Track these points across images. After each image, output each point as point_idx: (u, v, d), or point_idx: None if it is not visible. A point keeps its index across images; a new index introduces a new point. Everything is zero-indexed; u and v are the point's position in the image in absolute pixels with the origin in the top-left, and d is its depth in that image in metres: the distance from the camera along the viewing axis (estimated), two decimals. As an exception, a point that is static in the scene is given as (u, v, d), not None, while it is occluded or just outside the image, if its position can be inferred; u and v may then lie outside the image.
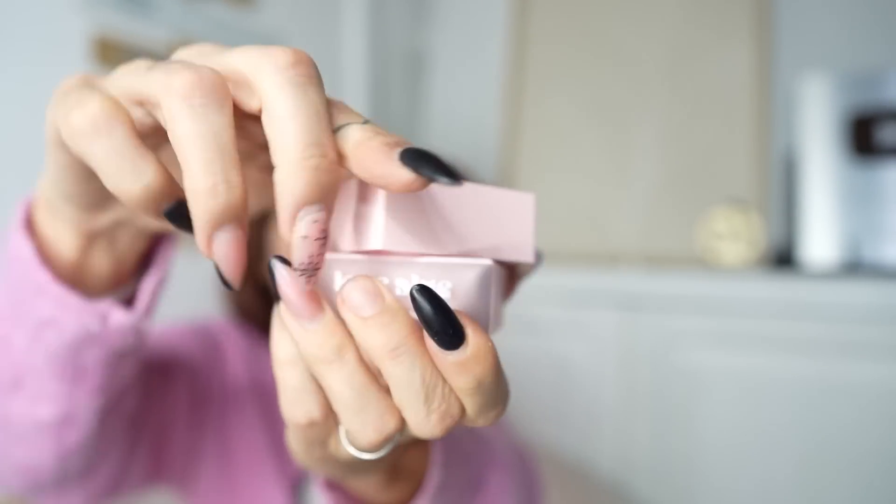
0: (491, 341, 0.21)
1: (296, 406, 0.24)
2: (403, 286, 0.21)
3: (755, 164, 1.09)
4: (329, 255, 0.22)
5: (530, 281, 1.04)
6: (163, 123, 0.20)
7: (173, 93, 0.19)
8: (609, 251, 1.17)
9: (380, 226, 0.21)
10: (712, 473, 0.91)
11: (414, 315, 0.21)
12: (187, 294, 0.60)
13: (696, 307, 0.92)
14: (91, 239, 0.30)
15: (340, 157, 0.20)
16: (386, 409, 0.22)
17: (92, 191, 0.27)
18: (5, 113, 0.76)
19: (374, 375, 0.22)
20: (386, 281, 0.22)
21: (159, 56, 0.88)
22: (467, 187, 0.22)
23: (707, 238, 1.06)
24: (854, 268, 0.91)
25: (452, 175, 0.19)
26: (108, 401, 0.35)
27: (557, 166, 1.24)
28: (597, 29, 1.24)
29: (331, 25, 1.26)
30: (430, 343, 0.20)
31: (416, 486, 0.31)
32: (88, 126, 0.20)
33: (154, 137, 0.23)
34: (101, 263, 0.31)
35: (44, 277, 0.29)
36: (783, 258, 1.03)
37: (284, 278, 0.21)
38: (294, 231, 0.19)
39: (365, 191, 0.22)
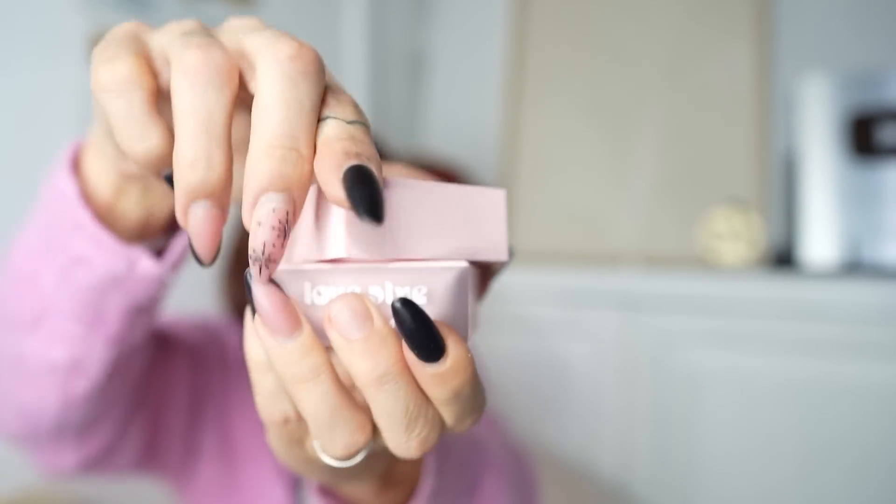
0: (470, 352, 0.21)
1: (271, 406, 0.24)
2: (377, 293, 0.21)
3: (755, 164, 1.09)
4: (297, 266, 0.21)
5: (530, 281, 1.05)
6: (171, 88, 0.21)
7: (182, 68, 0.20)
8: (609, 251, 1.17)
9: (340, 232, 0.20)
10: (712, 473, 0.91)
11: (394, 323, 0.20)
12: (184, 290, 0.60)
13: (696, 307, 0.92)
14: (126, 179, 0.30)
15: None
16: (357, 427, 0.22)
17: None
18: (5, 113, 0.76)
19: (348, 391, 0.22)
20: (358, 289, 0.21)
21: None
22: (435, 187, 0.22)
23: (707, 238, 1.06)
24: (854, 268, 0.91)
25: (373, 214, 0.19)
26: (117, 356, 0.35)
27: (557, 166, 1.24)
28: (597, 29, 1.25)
29: (331, 25, 1.26)
30: (409, 355, 0.20)
31: (410, 492, 0.31)
32: (111, 84, 0.21)
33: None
34: (133, 209, 0.32)
35: (83, 215, 0.30)
36: (783, 258, 1.03)
37: (262, 292, 0.20)
38: (252, 216, 0.19)
39: (323, 196, 0.21)
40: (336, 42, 1.26)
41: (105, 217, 0.31)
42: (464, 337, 0.22)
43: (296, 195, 0.20)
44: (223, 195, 0.20)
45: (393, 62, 1.38)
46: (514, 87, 1.30)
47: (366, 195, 0.19)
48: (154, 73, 0.22)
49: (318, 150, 0.20)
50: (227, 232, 0.70)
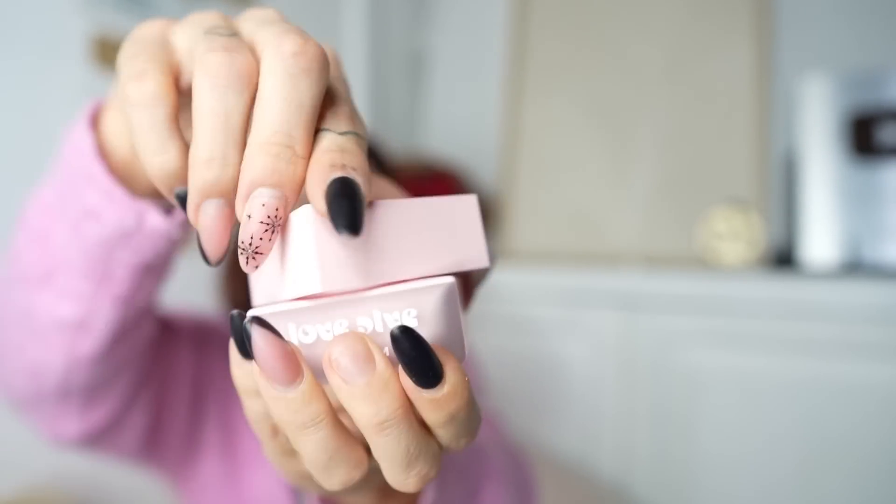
0: (466, 376, 0.20)
1: (262, 423, 0.24)
2: (366, 324, 0.20)
3: (755, 164, 1.09)
4: (274, 307, 0.21)
5: (530, 281, 1.05)
6: (193, 89, 0.21)
7: (204, 70, 0.21)
8: (609, 251, 1.17)
9: (313, 266, 0.20)
10: (712, 473, 0.91)
11: (392, 350, 0.20)
12: (183, 290, 0.60)
13: (696, 307, 0.92)
14: None
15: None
16: (355, 464, 0.22)
17: None
18: (5, 112, 0.76)
19: (346, 429, 0.22)
20: (346, 322, 0.20)
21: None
22: (407, 204, 0.21)
23: (707, 238, 1.06)
24: (854, 268, 0.91)
25: (353, 229, 0.19)
26: (124, 318, 0.36)
27: (557, 166, 1.24)
28: (597, 29, 1.24)
29: (331, 25, 1.26)
30: (406, 381, 0.20)
31: (412, 502, 0.31)
32: (138, 99, 0.22)
33: None
34: None
35: (97, 168, 0.30)
36: (783, 258, 1.03)
37: (263, 338, 0.19)
38: (243, 209, 0.20)
39: (288, 231, 0.21)
40: (336, 42, 1.26)
41: (122, 175, 0.32)
42: (461, 351, 0.21)
43: (288, 193, 0.20)
44: (232, 193, 0.20)
45: (393, 62, 1.38)
46: (514, 87, 1.30)
47: (345, 207, 0.19)
48: (178, 86, 0.23)
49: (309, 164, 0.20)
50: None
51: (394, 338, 0.19)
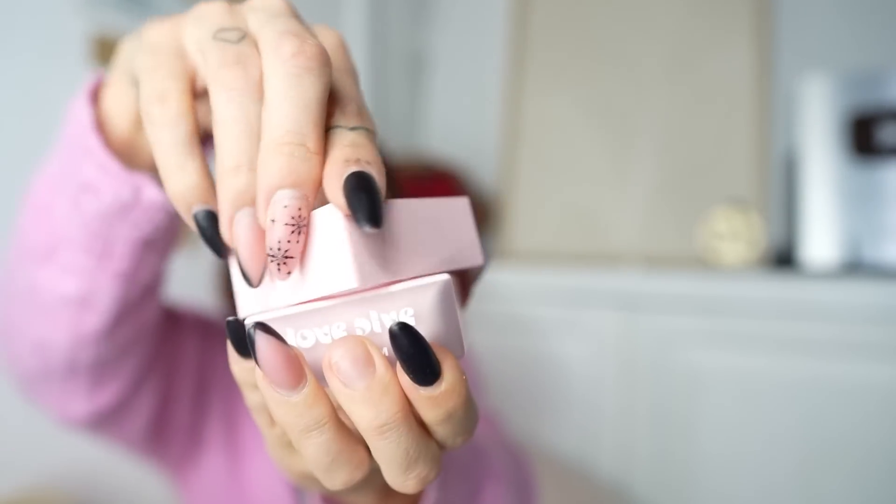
0: (464, 374, 0.20)
1: (261, 414, 0.24)
2: (364, 325, 0.20)
3: (755, 164, 1.09)
4: (272, 313, 0.21)
5: (530, 281, 1.05)
6: (210, 101, 0.22)
7: (220, 83, 0.21)
8: (609, 251, 1.17)
9: (348, 262, 0.19)
10: (712, 473, 0.91)
11: (391, 349, 0.20)
12: (183, 289, 0.60)
13: (696, 307, 0.92)
14: None
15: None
16: (357, 465, 0.22)
17: None
18: (5, 112, 0.76)
19: (348, 430, 0.22)
20: (344, 325, 0.20)
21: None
22: (408, 203, 0.22)
23: (707, 238, 1.06)
24: (854, 268, 0.91)
25: (374, 221, 0.19)
26: (126, 295, 0.36)
27: (557, 166, 1.24)
28: (597, 29, 1.24)
29: (331, 25, 1.25)
30: (404, 378, 0.20)
31: (414, 502, 0.31)
32: (160, 119, 0.22)
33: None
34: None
35: (94, 142, 0.31)
36: (783, 258, 1.03)
37: (268, 344, 0.19)
38: (266, 214, 0.19)
39: (311, 228, 0.21)
40: (336, 42, 1.26)
41: (122, 150, 0.32)
42: (460, 348, 0.21)
43: (307, 191, 0.20)
44: None
45: (393, 62, 1.38)
46: (514, 88, 1.30)
47: (364, 200, 0.19)
48: (194, 89, 0.24)
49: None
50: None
51: (392, 335, 0.19)
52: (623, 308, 0.97)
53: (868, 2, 1.07)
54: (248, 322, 0.20)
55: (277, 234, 0.19)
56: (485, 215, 1.28)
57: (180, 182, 0.22)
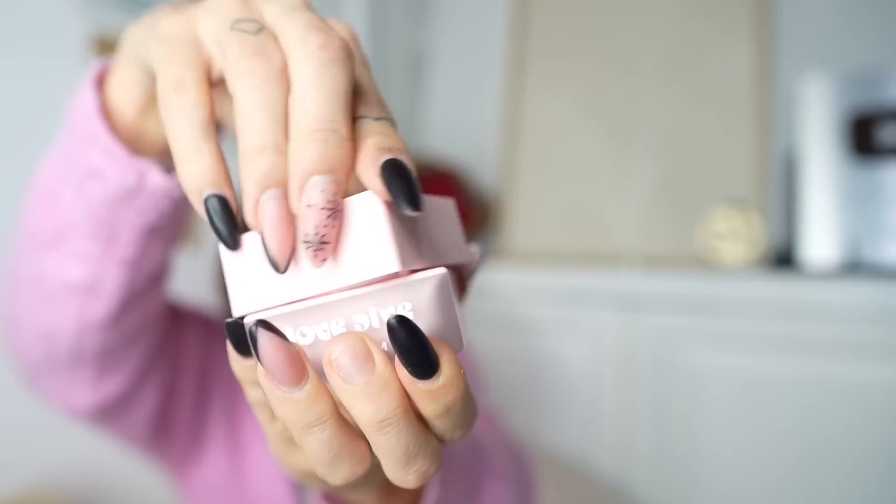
0: (462, 369, 0.21)
1: (262, 409, 0.24)
2: (362, 321, 0.20)
3: (755, 164, 1.09)
4: (272, 311, 0.21)
5: (530, 281, 1.05)
6: (230, 90, 0.22)
7: (241, 73, 0.21)
8: (609, 251, 1.17)
9: (389, 246, 0.20)
10: (712, 473, 0.91)
11: (389, 342, 0.20)
12: (183, 289, 0.60)
13: (696, 307, 0.92)
14: (151, 94, 0.31)
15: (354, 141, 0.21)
16: (358, 460, 0.22)
17: None
18: (5, 112, 0.76)
19: (350, 426, 0.22)
20: (343, 322, 0.20)
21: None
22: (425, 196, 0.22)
23: (707, 238, 1.06)
24: (854, 268, 0.91)
25: (415, 205, 0.19)
26: (132, 283, 0.36)
27: (557, 166, 1.24)
28: (597, 28, 1.25)
29: (331, 25, 1.25)
30: (402, 371, 0.20)
31: (414, 500, 0.31)
32: (177, 106, 0.22)
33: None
34: (158, 131, 0.32)
35: (99, 127, 0.31)
36: (783, 258, 1.03)
37: (269, 341, 0.20)
38: (301, 200, 0.19)
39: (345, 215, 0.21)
40: (336, 42, 1.26)
41: (127, 136, 0.32)
42: (458, 342, 0.21)
43: (341, 177, 0.20)
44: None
45: (393, 62, 1.38)
46: (514, 88, 1.30)
47: (403, 186, 0.19)
48: (210, 80, 0.24)
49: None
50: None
51: (390, 328, 0.19)
52: (623, 308, 0.97)
53: (868, 2, 1.07)
54: (249, 320, 0.20)
55: (315, 218, 0.19)
56: (485, 215, 1.28)
57: (195, 165, 0.21)
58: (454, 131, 1.42)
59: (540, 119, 1.27)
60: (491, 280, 1.05)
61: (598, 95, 1.23)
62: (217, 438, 0.54)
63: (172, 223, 0.36)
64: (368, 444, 0.22)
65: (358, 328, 0.20)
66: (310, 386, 0.20)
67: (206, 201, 0.21)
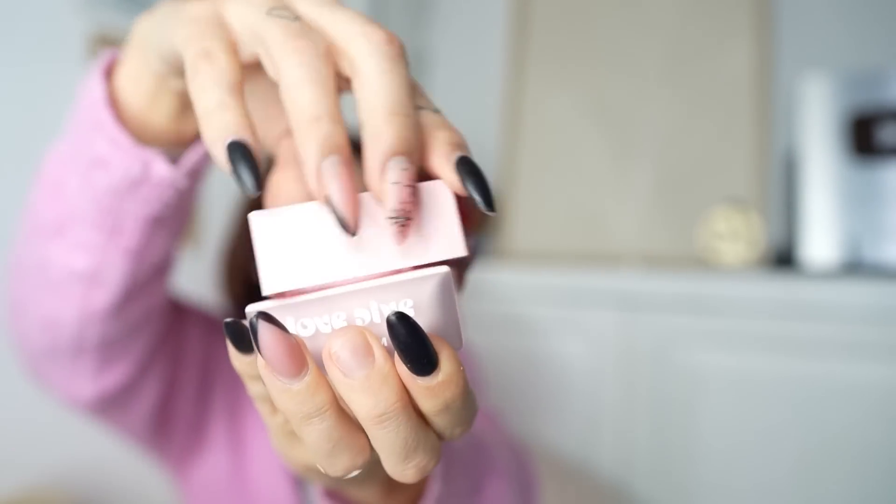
0: (461, 366, 0.21)
1: (263, 402, 0.25)
2: (363, 315, 0.20)
3: (755, 164, 1.09)
4: (272, 302, 0.20)
5: (530, 281, 1.05)
6: (272, 71, 0.22)
7: (287, 51, 0.21)
8: (609, 251, 1.17)
9: (457, 232, 0.21)
10: (712, 473, 0.91)
11: (389, 338, 0.20)
12: (184, 286, 0.60)
13: (695, 307, 0.92)
14: (161, 90, 0.31)
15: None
16: (358, 451, 0.22)
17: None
18: (5, 112, 0.76)
19: (349, 418, 0.22)
20: (344, 315, 0.20)
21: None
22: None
23: (707, 238, 1.06)
24: (854, 268, 0.91)
25: (490, 205, 0.21)
26: (135, 273, 0.36)
27: (557, 167, 1.24)
28: (597, 29, 1.25)
29: (331, 25, 1.26)
30: (402, 367, 0.20)
31: (416, 497, 0.31)
32: (207, 72, 0.22)
33: (253, 69, 0.25)
34: (164, 122, 0.33)
35: (106, 116, 0.31)
36: (783, 258, 1.03)
37: (270, 333, 0.19)
38: (384, 179, 0.20)
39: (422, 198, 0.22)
40: (336, 42, 1.26)
41: (133, 126, 0.32)
42: (458, 340, 0.22)
43: (415, 161, 0.21)
44: (349, 155, 0.20)
45: (393, 62, 1.38)
46: (514, 88, 1.30)
47: (480, 186, 0.21)
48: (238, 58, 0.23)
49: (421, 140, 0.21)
50: (228, 229, 0.71)
51: (390, 324, 0.19)
52: (622, 308, 0.97)
53: (868, 2, 1.07)
54: (250, 311, 0.20)
55: (401, 195, 0.20)
56: (485, 215, 1.28)
57: (219, 117, 0.21)
58: (454, 131, 1.42)
59: (540, 119, 1.27)
60: (491, 280, 1.05)
61: (598, 95, 1.23)
62: (218, 434, 0.54)
63: (177, 214, 0.36)
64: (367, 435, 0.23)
65: (359, 322, 0.21)
66: (309, 377, 0.20)
67: (228, 147, 0.20)
